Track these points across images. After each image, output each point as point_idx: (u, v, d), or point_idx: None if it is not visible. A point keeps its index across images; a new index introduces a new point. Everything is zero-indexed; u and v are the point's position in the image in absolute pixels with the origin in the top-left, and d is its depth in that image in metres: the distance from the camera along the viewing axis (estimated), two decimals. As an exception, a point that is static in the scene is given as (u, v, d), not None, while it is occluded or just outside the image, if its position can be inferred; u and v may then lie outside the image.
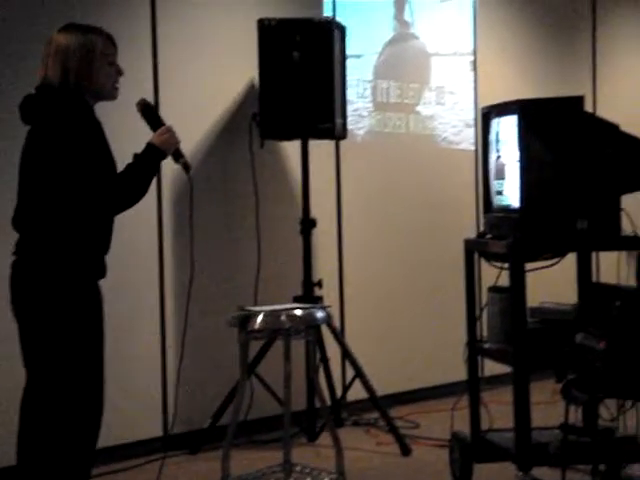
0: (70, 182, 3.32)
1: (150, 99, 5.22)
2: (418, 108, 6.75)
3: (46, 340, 3.34)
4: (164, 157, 3.55)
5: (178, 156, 3.66)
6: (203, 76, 5.66)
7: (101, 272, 3.49)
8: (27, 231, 3.40)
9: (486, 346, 4.51)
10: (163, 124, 3.61)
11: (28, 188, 3.41)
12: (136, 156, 3.47)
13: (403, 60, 6.70)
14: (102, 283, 3.50)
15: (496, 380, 6.16)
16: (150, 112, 3.67)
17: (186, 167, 3.68)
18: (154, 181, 3.57)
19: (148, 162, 3.47)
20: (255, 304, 5.29)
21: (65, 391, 3.34)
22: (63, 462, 3.35)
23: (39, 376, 3.36)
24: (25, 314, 3.39)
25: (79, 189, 3.32)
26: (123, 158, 3.52)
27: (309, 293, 5.60)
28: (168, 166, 4.03)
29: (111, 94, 3.55)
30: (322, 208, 5.98)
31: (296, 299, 5.49)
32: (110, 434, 4.98)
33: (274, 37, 5.50)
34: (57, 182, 3.33)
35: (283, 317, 4.27)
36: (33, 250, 3.37)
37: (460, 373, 4.83)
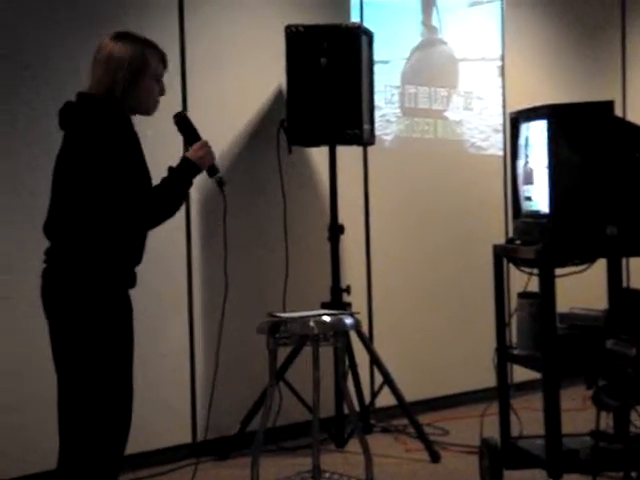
0: (105, 193, 3.30)
1: (178, 106, 5.27)
2: (446, 114, 6.73)
3: (77, 348, 3.34)
4: (199, 172, 3.51)
5: (213, 172, 3.60)
6: (231, 83, 5.67)
7: (131, 282, 3.48)
8: (58, 239, 3.39)
9: (516, 352, 4.48)
10: (199, 138, 3.57)
11: (62, 195, 3.39)
12: (171, 170, 3.45)
13: (431, 65, 6.69)
14: (131, 291, 3.51)
15: (526, 386, 6.14)
16: (187, 125, 3.62)
17: (220, 183, 3.63)
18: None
19: (183, 177, 3.45)
20: (283, 310, 5.29)
21: (95, 399, 3.34)
22: (93, 468, 3.36)
23: (70, 384, 3.37)
24: (56, 322, 3.39)
25: (114, 200, 3.30)
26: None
27: (337, 299, 5.59)
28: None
29: (147, 111, 3.50)
30: (350, 214, 5.97)
31: (324, 305, 5.48)
32: (139, 441, 5.01)
33: (302, 43, 5.50)
34: (92, 192, 3.31)
35: (312, 323, 4.26)
36: (64, 258, 3.36)
37: (490, 379, 4.80)
